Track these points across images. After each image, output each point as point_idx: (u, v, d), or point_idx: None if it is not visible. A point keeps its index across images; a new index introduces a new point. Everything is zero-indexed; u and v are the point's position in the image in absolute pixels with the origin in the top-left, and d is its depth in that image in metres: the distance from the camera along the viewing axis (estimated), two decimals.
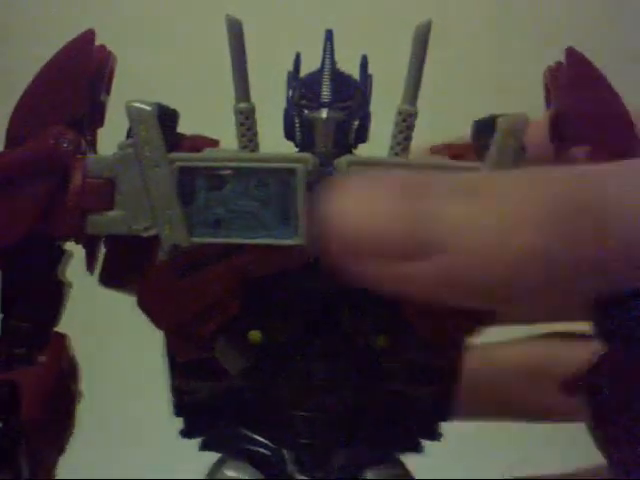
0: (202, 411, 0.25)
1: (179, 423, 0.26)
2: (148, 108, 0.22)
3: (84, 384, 0.25)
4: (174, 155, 0.22)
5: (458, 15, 0.64)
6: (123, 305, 0.23)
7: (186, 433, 0.26)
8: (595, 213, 0.19)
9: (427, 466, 0.25)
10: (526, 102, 0.24)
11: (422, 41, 0.23)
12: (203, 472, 0.26)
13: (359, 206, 0.19)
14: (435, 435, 0.25)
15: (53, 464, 0.25)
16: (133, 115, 0.22)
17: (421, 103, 0.23)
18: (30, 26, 0.72)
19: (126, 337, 0.50)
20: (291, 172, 0.21)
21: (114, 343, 0.69)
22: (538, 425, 0.36)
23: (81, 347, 0.25)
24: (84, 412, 0.25)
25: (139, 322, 0.23)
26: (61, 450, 0.24)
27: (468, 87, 0.63)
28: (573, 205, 0.19)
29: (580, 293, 0.21)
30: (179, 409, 0.26)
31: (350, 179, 0.20)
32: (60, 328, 0.24)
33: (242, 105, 0.23)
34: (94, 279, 0.24)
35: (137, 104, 0.22)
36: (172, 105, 0.24)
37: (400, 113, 0.23)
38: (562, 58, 0.26)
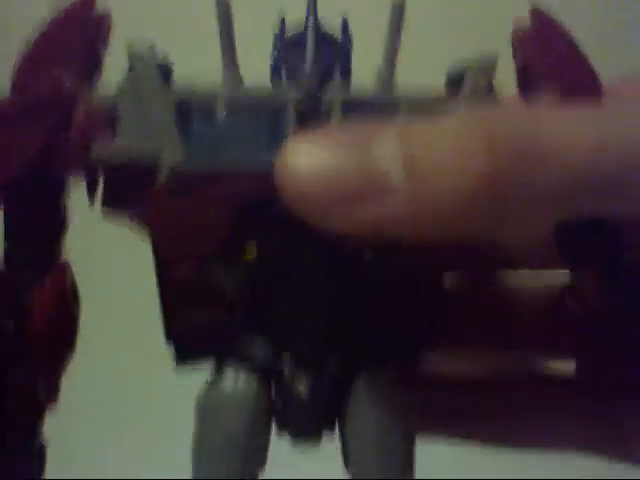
0: (198, 334, 0.27)
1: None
2: (145, 50, 0.25)
3: None
4: (170, 88, 0.24)
5: None
6: None
7: (181, 359, 0.28)
8: (534, 150, 0.21)
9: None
10: None
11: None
12: None
13: (311, 158, 0.21)
14: (416, 356, 0.28)
15: (56, 381, 0.26)
16: (132, 53, 0.24)
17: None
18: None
19: None
20: (282, 104, 0.24)
21: None
22: None
23: None
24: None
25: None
26: (63, 367, 0.26)
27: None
28: (517, 141, 0.21)
29: (534, 224, 0.23)
30: (174, 336, 0.27)
31: (299, 137, 0.22)
32: None
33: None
34: None
35: (133, 46, 0.25)
36: None
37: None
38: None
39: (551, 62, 0.26)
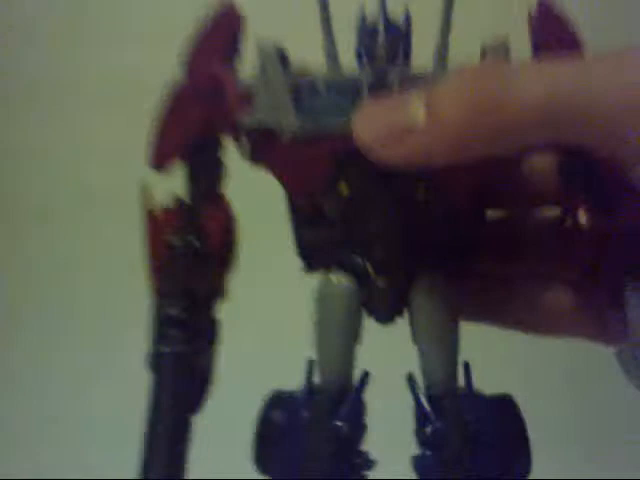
0: (317, 248, 0.39)
1: None
2: (270, 47, 0.36)
3: None
4: (287, 76, 0.36)
5: None
6: None
7: (308, 267, 0.39)
8: (503, 97, 0.30)
9: None
10: None
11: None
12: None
13: (370, 117, 0.33)
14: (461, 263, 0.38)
15: (224, 284, 0.39)
16: (260, 50, 0.36)
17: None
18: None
19: None
20: (359, 82, 0.35)
21: None
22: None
23: None
24: None
25: None
26: (230, 270, 0.39)
27: None
28: (493, 89, 0.31)
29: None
30: (302, 251, 0.39)
31: (370, 101, 0.34)
32: None
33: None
34: None
35: (262, 44, 0.36)
36: None
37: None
38: None
39: (550, 40, 0.35)
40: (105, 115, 0.93)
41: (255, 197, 0.42)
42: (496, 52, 0.35)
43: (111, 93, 0.92)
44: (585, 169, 0.35)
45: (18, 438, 0.89)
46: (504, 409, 0.38)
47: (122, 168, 0.74)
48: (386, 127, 0.32)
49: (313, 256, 0.39)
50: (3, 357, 0.94)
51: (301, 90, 0.35)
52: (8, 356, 0.94)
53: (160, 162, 0.37)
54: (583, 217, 0.38)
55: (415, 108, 0.32)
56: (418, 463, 0.38)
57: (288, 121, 0.35)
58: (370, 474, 0.39)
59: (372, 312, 0.38)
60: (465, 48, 0.36)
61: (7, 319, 0.95)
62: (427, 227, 0.37)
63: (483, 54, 0.36)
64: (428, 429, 0.37)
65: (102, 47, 0.93)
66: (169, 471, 0.35)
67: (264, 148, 0.36)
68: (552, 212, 0.41)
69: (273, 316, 0.73)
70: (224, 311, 0.39)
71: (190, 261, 0.36)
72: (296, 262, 0.40)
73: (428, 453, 0.37)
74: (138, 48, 0.91)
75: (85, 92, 0.95)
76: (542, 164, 0.40)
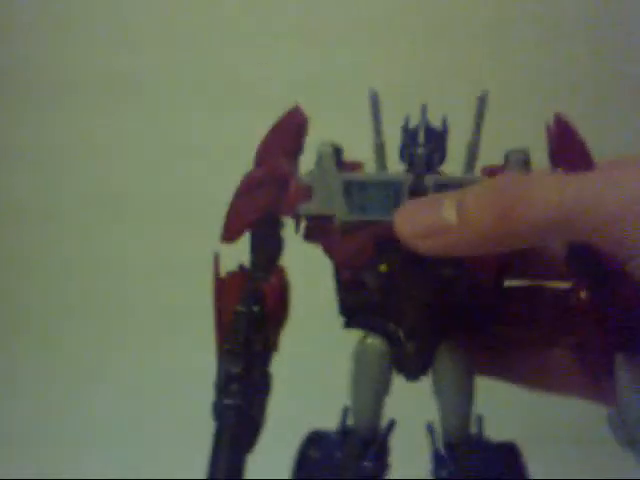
0: (357, 311, 0.46)
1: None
2: (328, 149, 0.43)
3: None
4: (340, 174, 0.43)
5: None
6: None
7: (347, 325, 0.47)
8: (519, 207, 0.38)
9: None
10: None
11: (481, 110, 0.42)
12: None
13: (410, 215, 0.41)
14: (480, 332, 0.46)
15: (278, 339, 0.46)
16: (320, 152, 0.43)
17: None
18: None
19: None
20: (400, 184, 0.42)
21: None
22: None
23: None
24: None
25: None
26: (282, 329, 0.46)
27: None
28: (509, 200, 0.38)
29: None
30: (343, 311, 0.47)
31: (409, 201, 0.42)
32: None
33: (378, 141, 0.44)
34: None
35: (322, 146, 0.44)
36: None
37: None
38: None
39: (564, 151, 0.43)
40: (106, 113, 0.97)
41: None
42: (517, 160, 0.42)
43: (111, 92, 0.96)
44: (590, 258, 0.42)
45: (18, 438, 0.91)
46: (508, 456, 0.45)
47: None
48: (423, 224, 0.40)
49: (352, 316, 0.47)
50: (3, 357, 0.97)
51: (352, 185, 0.43)
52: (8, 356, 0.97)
53: (230, 237, 0.45)
54: (585, 295, 0.45)
55: (448, 209, 0.39)
56: None
57: (339, 212, 0.43)
58: None
59: (401, 371, 0.45)
60: (492, 155, 0.43)
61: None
62: (453, 300, 0.44)
63: (506, 160, 0.43)
64: (444, 472, 0.44)
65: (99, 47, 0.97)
66: None
67: (319, 231, 0.44)
68: (560, 287, 0.49)
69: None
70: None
71: (251, 324, 0.43)
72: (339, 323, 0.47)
73: None
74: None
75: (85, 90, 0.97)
76: (555, 250, 0.48)
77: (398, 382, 0.46)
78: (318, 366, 0.78)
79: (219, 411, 0.42)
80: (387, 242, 0.43)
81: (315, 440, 0.46)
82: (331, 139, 0.45)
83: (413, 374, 0.45)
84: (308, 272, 0.56)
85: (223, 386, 0.42)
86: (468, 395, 0.44)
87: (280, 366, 0.47)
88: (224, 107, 0.93)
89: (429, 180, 0.42)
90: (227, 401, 0.41)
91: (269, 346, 0.44)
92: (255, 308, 0.43)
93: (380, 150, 0.44)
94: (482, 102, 0.43)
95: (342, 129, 0.51)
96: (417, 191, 0.42)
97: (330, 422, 0.46)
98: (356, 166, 0.45)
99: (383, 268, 0.44)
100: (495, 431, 0.46)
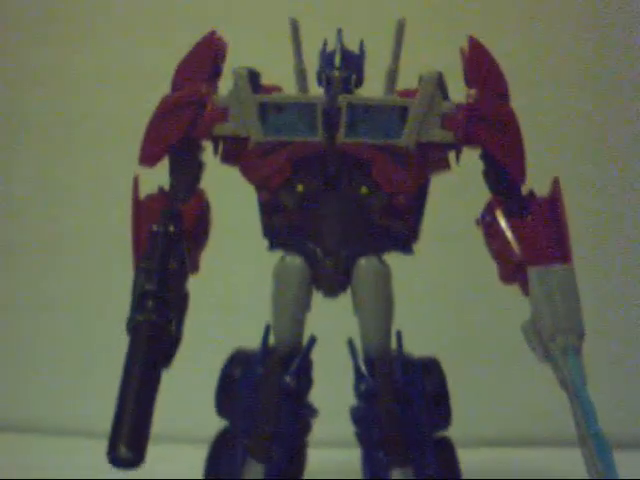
0: (278, 232, 0.47)
1: None
2: (243, 71, 0.44)
3: None
4: (256, 95, 0.44)
5: None
6: None
7: (271, 247, 0.48)
8: None
9: None
10: None
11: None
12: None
13: None
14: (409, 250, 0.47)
15: (198, 260, 0.47)
16: (235, 73, 0.44)
17: None
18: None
19: None
20: (314, 105, 0.43)
21: None
22: None
23: None
24: None
25: None
26: (202, 250, 0.47)
27: None
28: None
29: None
30: (266, 233, 0.48)
31: None
32: None
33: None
34: None
35: (237, 68, 0.44)
36: None
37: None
38: None
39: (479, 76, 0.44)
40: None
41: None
42: (430, 79, 0.43)
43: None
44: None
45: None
46: (429, 369, 0.47)
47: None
48: None
49: (275, 238, 0.48)
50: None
51: (267, 107, 0.44)
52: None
53: (148, 160, 0.46)
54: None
55: None
56: (354, 414, 0.47)
57: (254, 133, 0.43)
58: (314, 422, 0.47)
59: (320, 288, 0.47)
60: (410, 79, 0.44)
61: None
62: (368, 218, 0.46)
63: (420, 80, 0.44)
64: (363, 386, 0.46)
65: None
66: (139, 414, 0.41)
67: (235, 153, 0.45)
68: None
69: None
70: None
71: (166, 243, 0.44)
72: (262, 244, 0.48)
73: (362, 406, 0.46)
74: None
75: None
76: None
77: (318, 299, 0.47)
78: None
79: (132, 326, 0.42)
80: (303, 163, 0.44)
81: (238, 358, 0.48)
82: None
83: (332, 291, 0.46)
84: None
85: (137, 302, 0.42)
86: (387, 311, 0.46)
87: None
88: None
89: (342, 100, 0.43)
90: (140, 317, 0.42)
91: (186, 265, 0.45)
92: (171, 227, 0.44)
93: (301, 75, 0.44)
94: (400, 28, 0.44)
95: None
96: (331, 112, 0.43)
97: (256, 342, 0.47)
98: (274, 90, 0.45)
99: (300, 188, 0.45)
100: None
